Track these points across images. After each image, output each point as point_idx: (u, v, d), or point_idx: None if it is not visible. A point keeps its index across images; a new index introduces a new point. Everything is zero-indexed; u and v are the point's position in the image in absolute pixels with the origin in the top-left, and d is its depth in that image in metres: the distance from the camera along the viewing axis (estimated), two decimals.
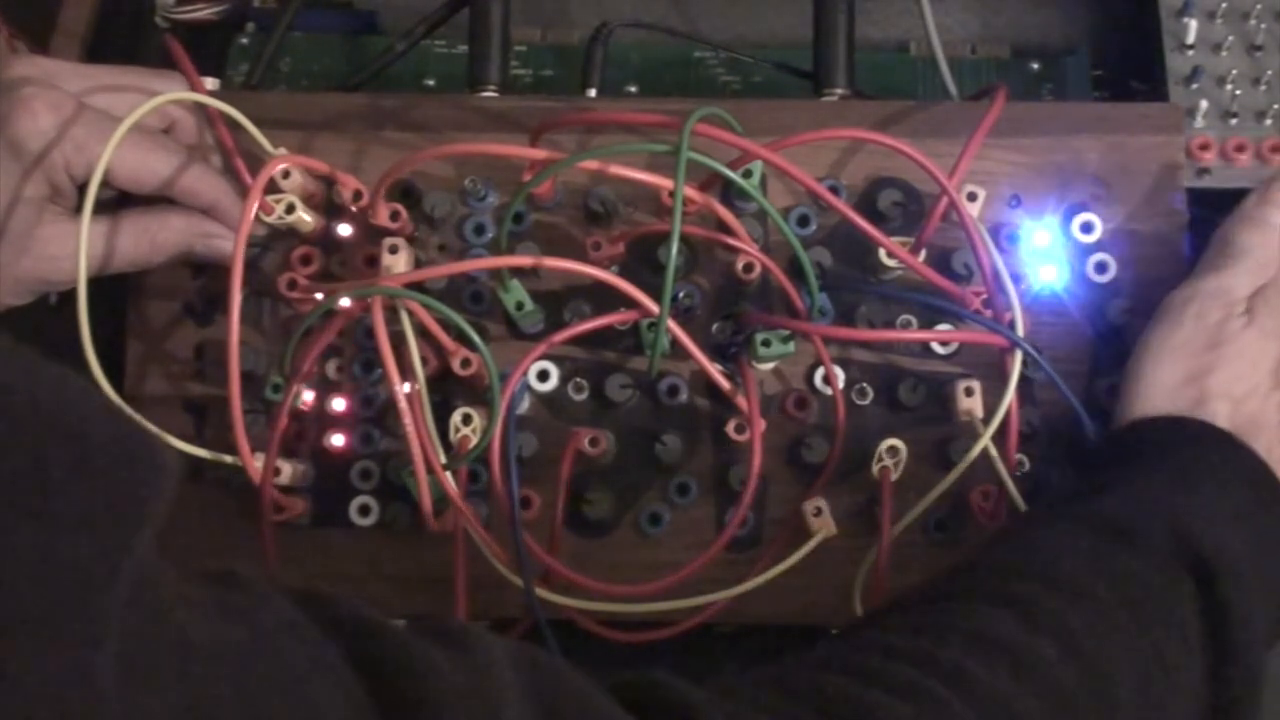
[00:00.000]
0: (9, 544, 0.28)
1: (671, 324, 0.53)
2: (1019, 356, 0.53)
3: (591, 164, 0.52)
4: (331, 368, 0.58)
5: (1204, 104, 0.60)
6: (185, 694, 0.31)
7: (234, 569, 0.36)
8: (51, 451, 0.29)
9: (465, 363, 0.55)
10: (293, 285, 0.58)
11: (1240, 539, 0.46)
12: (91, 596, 0.29)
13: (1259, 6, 0.62)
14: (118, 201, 0.56)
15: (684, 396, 0.57)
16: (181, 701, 0.30)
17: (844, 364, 0.57)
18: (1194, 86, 0.61)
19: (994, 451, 0.52)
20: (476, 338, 0.50)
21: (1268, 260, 0.52)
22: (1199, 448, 0.49)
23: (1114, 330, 0.57)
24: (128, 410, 0.33)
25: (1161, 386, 0.51)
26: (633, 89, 0.67)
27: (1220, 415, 0.50)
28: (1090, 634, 0.43)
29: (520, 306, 0.56)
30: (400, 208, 0.57)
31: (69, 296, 0.54)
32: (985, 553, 0.48)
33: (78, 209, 0.53)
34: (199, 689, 0.31)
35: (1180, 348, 0.51)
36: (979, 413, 0.54)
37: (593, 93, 0.62)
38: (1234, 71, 0.61)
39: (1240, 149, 0.60)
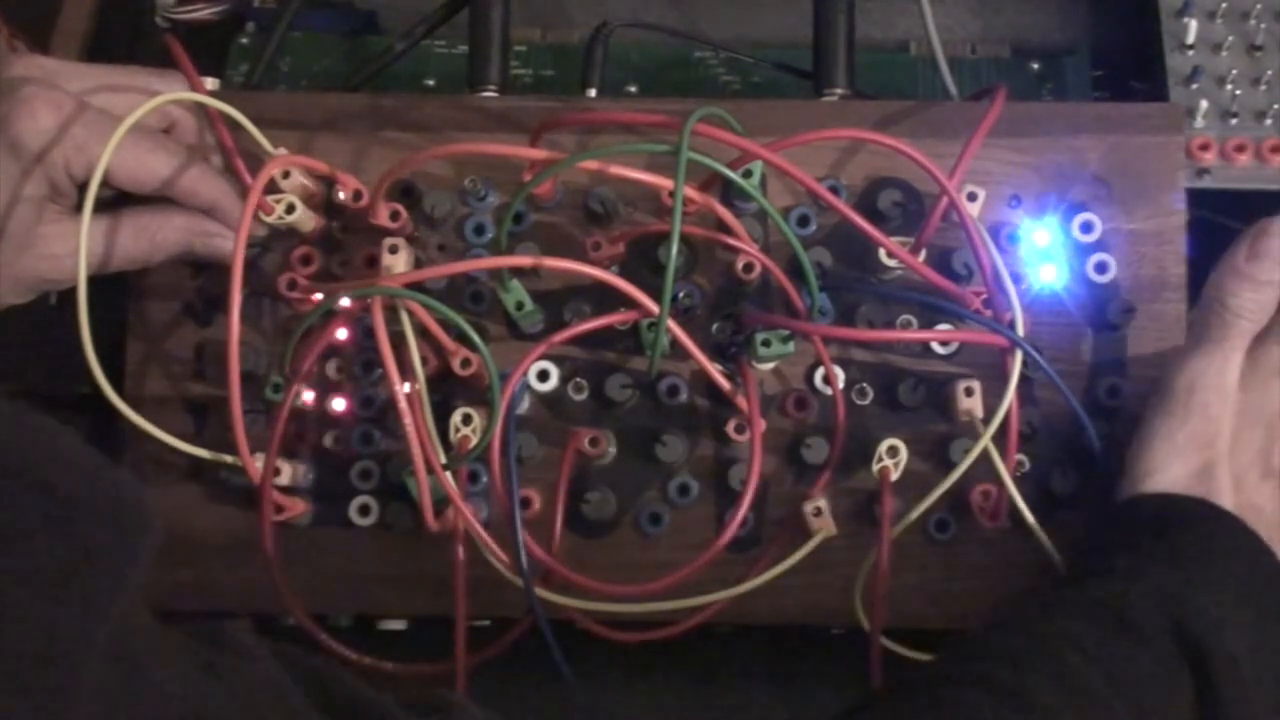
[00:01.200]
0: None
1: (671, 324, 0.53)
2: (1019, 356, 0.52)
3: (591, 164, 0.52)
4: (331, 368, 0.58)
5: (1204, 104, 0.60)
6: None
7: (225, 626, 0.36)
8: (28, 508, 0.29)
9: (465, 363, 0.55)
10: (293, 285, 0.58)
11: (1242, 626, 0.46)
12: (65, 660, 0.28)
13: (1259, 6, 0.62)
14: (117, 200, 0.56)
15: (684, 396, 0.57)
16: None
17: (844, 364, 0.57)
18: (1194, 86, 0.61)
19: (994, 451, 0.52)
20: (476, 338, 0.50)
21: (1262, 314, 0.51)
22: (1204, 529, 0.49)
23: (1114, 330, 0.57)
24: (109, 465, 0.33)
25: (1168, 475, 0.51)
26: (633, 89, 0.67)
27: (1226, 501, 0.50)
28: None
29: (520, 306, 0.56)
30: (400, 208, 0.57)
31: (69, 296, 0.54)
32: (988, 637, 0.48)
33: (77, 208, 0.53)
34: None
35: (1188, 444, 0.51)
36: (979, 413, 0.54)
37: (593, 93, 0.62)
38: (1234, 71, 0.61)
39: (1240, 149, 0.60)
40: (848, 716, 0.46)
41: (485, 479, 0.56)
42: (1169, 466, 0.51)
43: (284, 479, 0.56)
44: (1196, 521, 0.49)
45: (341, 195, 0.57)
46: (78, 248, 0.52)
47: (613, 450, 0.57)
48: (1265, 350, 0.52)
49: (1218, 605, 0.46)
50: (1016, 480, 0.53)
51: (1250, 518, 0.49)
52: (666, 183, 0.51)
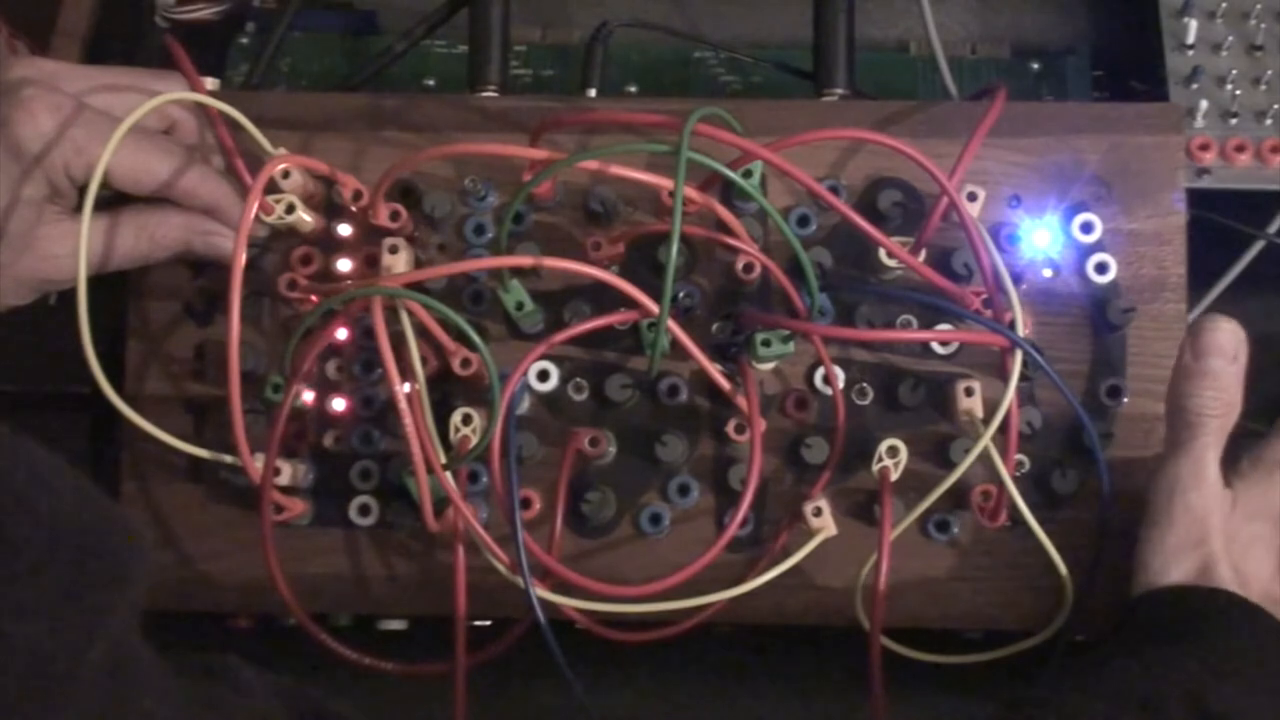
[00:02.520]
0: None
1: (671, 324, 0.53)
2: (1019, 356, 0.52)
3: (591, 164, 0.52)
4: (331, 368, 0.58)
5: (1204, 104, 0.60)
6: None
7: (221, 658, 0.36)
8: (16, 536, 0.28)
9: (465, 363, 0.55)
10: (293, 285, 0.58)
11: (1265, 710, 0.46)
12: (53, 687, 0.28)
13: (1259, 6, 0.62)
14: (117, 200, 0.56)
15: (684, 396, 0.57)
16: None
17: (844, 364, 0.57)
18: (1194, 86, 0.61)
19: (994, 451, 0.52)
20: (476, 338, 0.50)
21: (1226, 409, 0.51)
22: (1224, 619, 0.49)
23: (1114, 330, 0.57)
24: (97, 492, 0.32)
25: (1173, 580, 0.51)
26: (633, 89, 0.67)
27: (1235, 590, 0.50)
28: None
29: (520, 306, 0.56)
30: (400, 208, 0.57)
31: (68, 296, 0.54)
32: (1008, 713, 0.48)
33: (77, 209, 0.53)
34: None
35: (1178, 548, 0.51)
36: (979, 413, 0.54)
37: (593, 93, 0.62)
38: (1234, 71, 0.61)
39: (1240, 149, 0.60)
40: None
41: (485, 479, 0.56)
42: (1168, 572, 0.51)
43: (284, 479, 0.56)
44: (1215, 612, 0.49)
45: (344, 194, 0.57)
46: (78, 248, 0.52)
47: (613, 450, 0.57)
48: (1267, 445, 0.53)
49: (1244, 694, 0.46)
50: (1016, 480, 0.53)
51: (1273, 610, 0.49)
52: (666, 183, 0.51)
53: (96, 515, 0.31)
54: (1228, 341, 0.51)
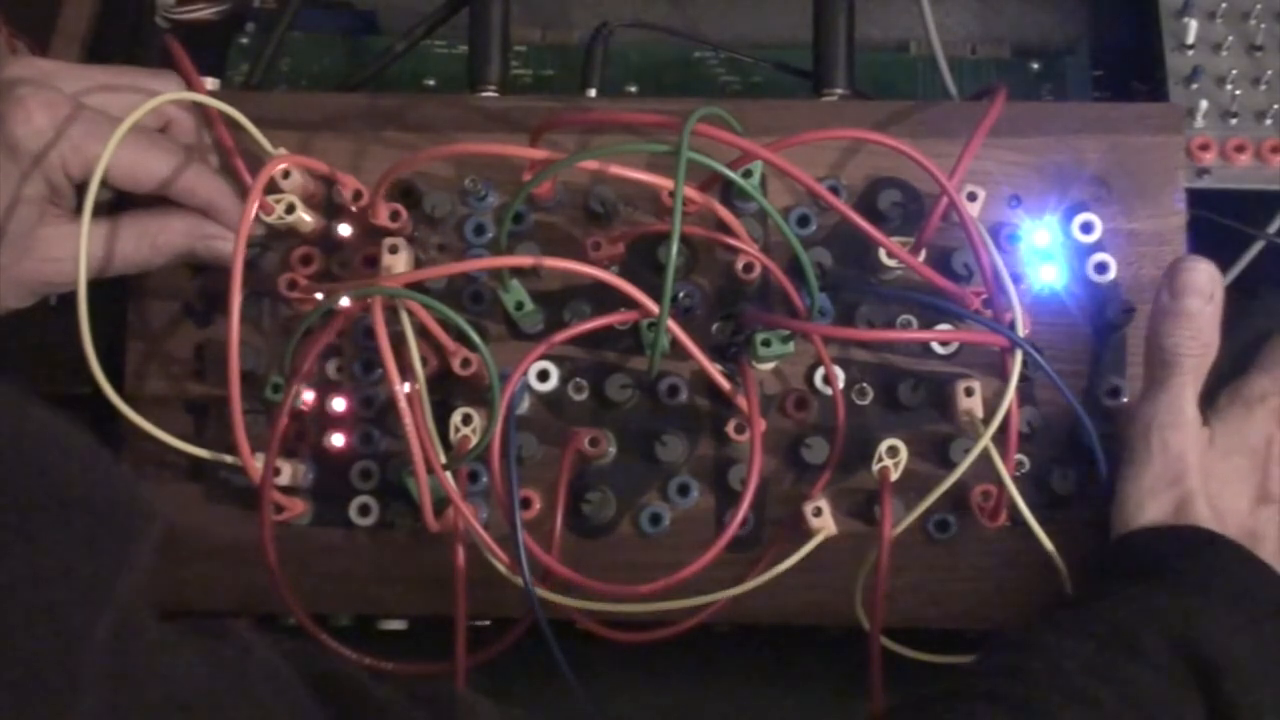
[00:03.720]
0: None
1: (671, 324, 0.53)
2: (1019, 356, 0.52)
3: (591, 164, 0.52)
4: (331, 368, 0.58)
5: (1204, 104, 0.60)
6: None
7: (226, 621, 0.36)
8: (31, 499, 0.29)
9: (465, 363, 0.55)
10: (293, 285, 0.58)
11: (1245, 640, 0.45)
12: (71, 647, 0.29)
13: (1259, 6, 0.62)
14: (116, 202, 0.56)
15: (684, 396, 0.57)
16: None
17: (844, 364, 0.57)
18: (1194, 86, 0.61)
19: (994, 451, 0.52)
20: (476, 338, 0.50)
21: (1204, 348, 0.52)
22: (1202, 556, 0.49)
23: (1114, 330, 0.57)
24: (109, 456, 0.33)
25: (1146, 517, 0.51)
26: (633, 89, 0.67)
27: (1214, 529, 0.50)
28: None
29: (520, 306, 0.56)
30: (400, 208, 0.57)
31: (69, 297, 0.54)
32: (990, 658, 0.48)
33: (77, 210, 0.53)
34: None
35: (1155, 485, 0.51)
36: (979, 413, 0.54)
37: (593, 93, 0.62)
38: (1234, 71, 0.61)
39: (1240, 149, 0.60)
40: None
41: (485, 479, 0.56)
42: (1144, 510, 0.51)
43: (284, 479, 0.56)
44: (1193, 549, 0.49)
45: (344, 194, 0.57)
46: (78, 250, 0.52)
47: (613, 450, 0.57)
48: (1245, 381, 0.53)
49: (1222, 628, 0.46)
50: (1016, 480, 0.53)
51: (1249, 544, 0.50)
52: (666, 183, 0.51)
53: (107, 477, 0.31)
54: (1204, 281, 0.52)
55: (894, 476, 0.54)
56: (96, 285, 0.53)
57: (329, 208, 0.59)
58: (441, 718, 0.37)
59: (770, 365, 0.57)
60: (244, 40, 0.69)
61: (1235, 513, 0.52)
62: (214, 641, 0.34)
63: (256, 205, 0.53)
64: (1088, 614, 0.48)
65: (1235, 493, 0.52)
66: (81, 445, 0.32)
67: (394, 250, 0.55)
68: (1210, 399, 0.53)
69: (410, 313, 0.54)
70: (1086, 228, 0.57)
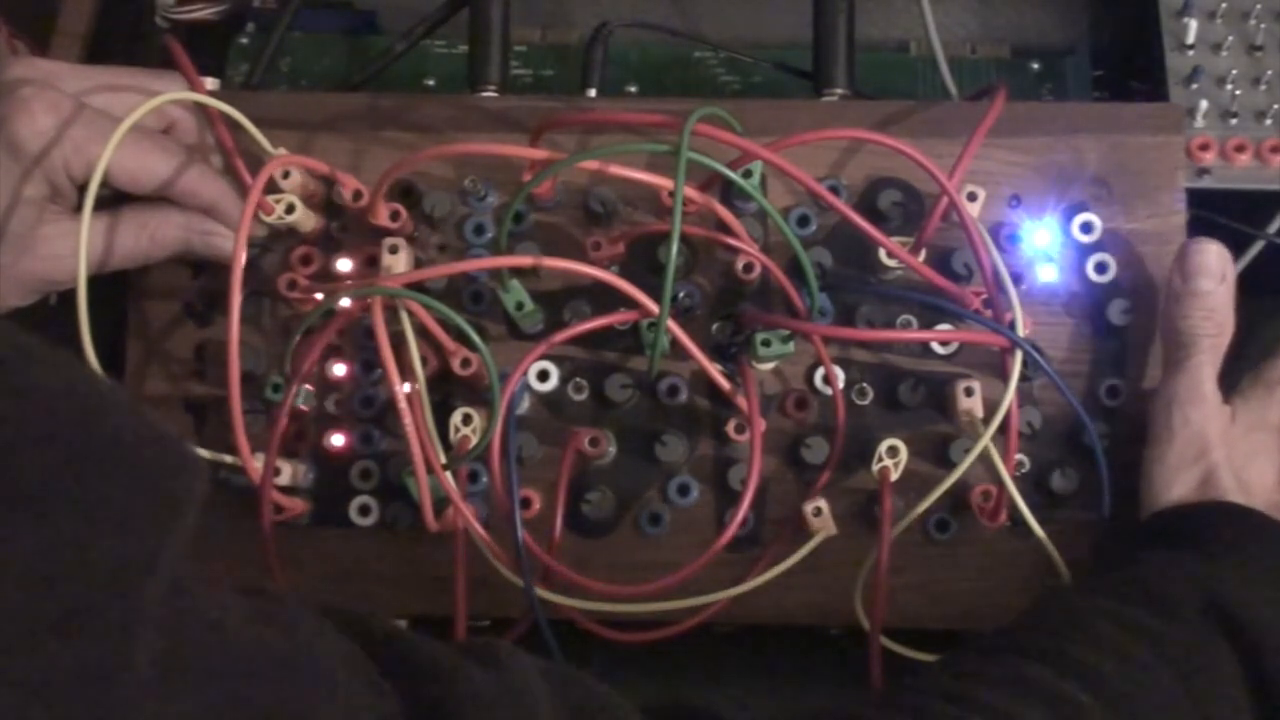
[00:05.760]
0: (47, 536, 0.28)
1: (671, 324, 0.53)
2: (1019, 356, 0.52)
3: (591, 164, 0.52)
4: (331, 403, 0.58)
5: (1204, 104, 0.60)
6: (223, 692, 0.31)
7: (263, 585, 0.37)
8: (88, 449, 0.30)
9: (465, 363, 0.55)
10: (293, 285, 0.58)
11: (1273, 604, 0.46)
12: (130, 589, 0.29)
13: (1259, 6, 0.62)
14: (116, 199, 0.56)
15: (684, 396, 0.57)
16: (219, 699, 0.31)
17: (844, 364, 0.57)
18: (1194, 86, 0.61)
19: (994, 451, 0.52)
20: (476, 338, 0.50)
21: (1218, 328, 0.53)
22: (1229, 526, 0.50)
23: (1114, 330, 0.57)
24: (149, 412, 0.34)
25: (1172, 495, 0.52)
26: (633, 89, 0.67)
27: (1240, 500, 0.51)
28: (1127, 685, 0.43)
29: (520, 306, 0.56)
30: (400, 208, 0.57)
31: (69, 296, 0.54)
32: (1026, 621, 0.48)
33: (77, 209, 0.53)
34: (235, 687, 0.31)
35: (1179, 462, 0.52)
36: (979, 413, 0.54)
37: (593, 93, 0.62)
38: (1234, 71, 0.61)
39: (1240, 149, 0.60)
40: (889, 689, 0.46)
41: (485, 479, 0.56)
42: (1170, 488, 0.52)
43: (284, 479, 0.56)
44: (1220, 520, 0.50)
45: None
46: (78, 248, 0.52)
47: (613, 450, 0.57)
48: (1268, 364, 0.54)
49: (1251, 586, 0.46)
50: (1016, 480, 0.53)
51: (1277, 516, 0.50)
52: (666, 183, 0.51)
53: (154, 432, 0.31)
54: (1214, 262, 0.53)
55: (894, 476, 0.54)
56: (97, 284, 0.53)
57: (329, 208, 0.59)
58: (486, 662, 0.38)
59: (770, 365, 0.57)
60: (244, 40, 0.69)
61: (1262, 487, 0.52)
62: (262, 600, 0.35)
63: (256, 205, 0.53)
64: (1120, 578, 0.48)
65: (1261, 468, 0.53)
66: (128, 402, 0.32)
67: (394, 250, 0.55)
68: (1231, 382, 0.54)
69: (410, 313, 0.54)
70: (1086, 228, 0.57)
